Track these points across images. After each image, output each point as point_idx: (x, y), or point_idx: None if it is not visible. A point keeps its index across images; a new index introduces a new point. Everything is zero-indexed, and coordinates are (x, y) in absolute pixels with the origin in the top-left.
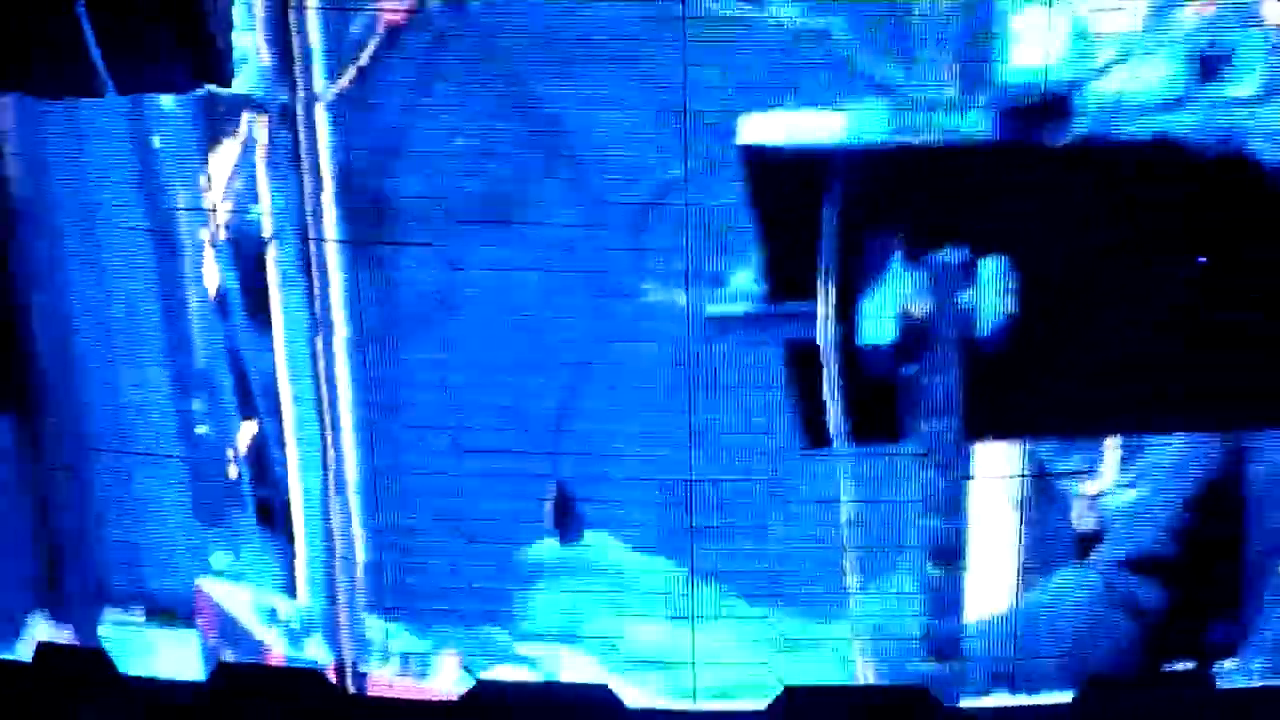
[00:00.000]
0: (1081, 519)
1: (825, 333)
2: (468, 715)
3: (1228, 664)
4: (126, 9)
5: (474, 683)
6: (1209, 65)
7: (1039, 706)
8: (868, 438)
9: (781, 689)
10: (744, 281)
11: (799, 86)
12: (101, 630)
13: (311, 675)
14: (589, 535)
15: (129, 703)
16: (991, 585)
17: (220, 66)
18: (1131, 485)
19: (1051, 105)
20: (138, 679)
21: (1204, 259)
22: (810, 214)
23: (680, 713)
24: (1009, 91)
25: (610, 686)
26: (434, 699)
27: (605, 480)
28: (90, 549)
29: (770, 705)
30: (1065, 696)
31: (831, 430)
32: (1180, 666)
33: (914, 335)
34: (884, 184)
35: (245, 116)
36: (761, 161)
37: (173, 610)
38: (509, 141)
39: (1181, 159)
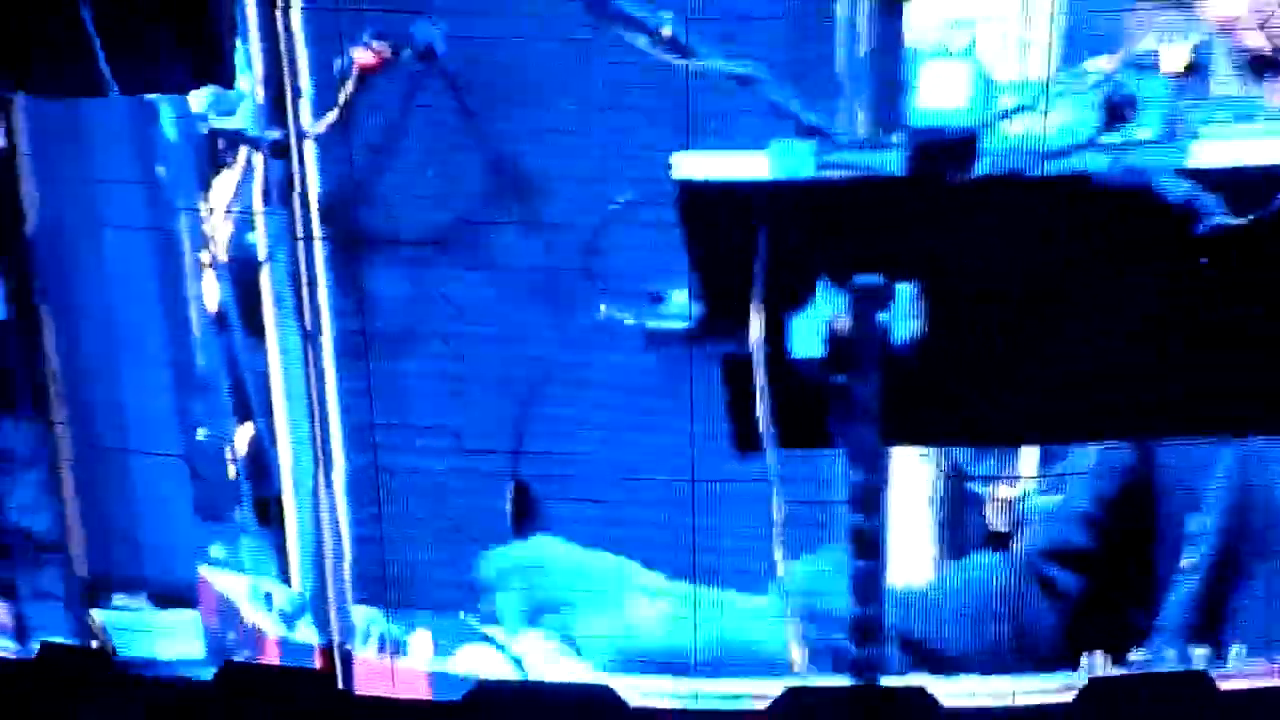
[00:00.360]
0: (996, 517)
1: (756, 348)
2: (468, 716)
3: (1137, 654)
4: (130, 9)
5: (448, 660)
6: (1115, 110)
7: (1039, 706)
8: (796, 443)
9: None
10: (682, 300)
11: (731, 128)
12: (107, 614)
13: (311, 675)
14: (545, 527)
15: (129, 702)
16: (911, 575)
17: (222, 68)
18: (1046, 490)
19: (957, 146)
20: (139, 678)
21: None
22: (742, 241)
23: (681, 712)
24: (918, 133)
25: (578, 672)
26: (433, 700)
27: (560, 479)
28: (96, 540)
29: (770, 705)
30: (981, 679)
31: (762, 435)
32: (1095, 651)
33: (838, 351)
34: (809, 216)
35: (243, 150)
36: (695, 194)
37: (176, 595)
38: (473, 174)
39: (1084, 194)
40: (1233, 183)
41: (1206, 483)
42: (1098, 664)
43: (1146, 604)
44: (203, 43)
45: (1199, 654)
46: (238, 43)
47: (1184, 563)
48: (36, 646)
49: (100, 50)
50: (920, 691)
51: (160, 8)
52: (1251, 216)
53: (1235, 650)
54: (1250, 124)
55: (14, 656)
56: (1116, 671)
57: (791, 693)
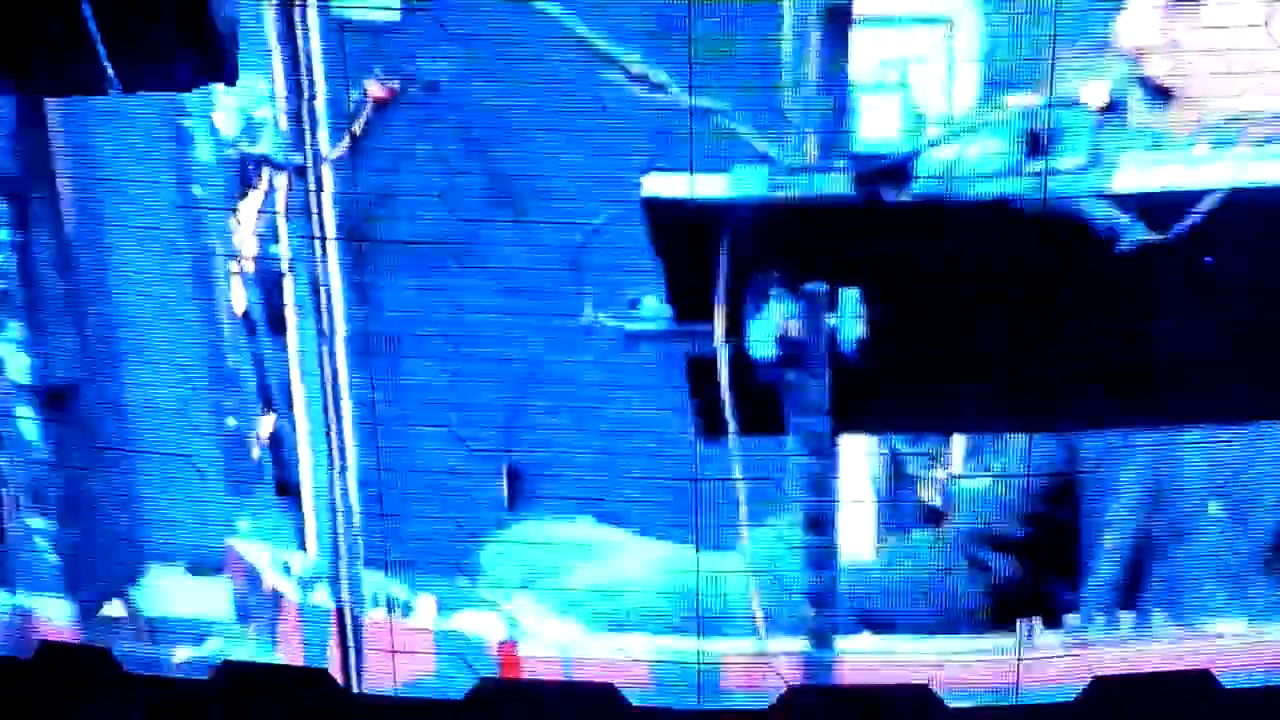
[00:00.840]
0: (932, 498)
1: (719, 347)
2: (470, 714)
3: (1071, 617)
4: (132, 7)
5: (449, 620)
6: (1036, 141)
7: (1039, 707)
8: (755, 431)
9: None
10: (654, 305)
11: (696, 153)
12: (144, 581)
13: (313, 675)
14: (536, 503)
15: (130, 702)
16: (858, 548)
17: (225, 65)
18: (975, 473)
19: (894, 170)
20: (139, 678)
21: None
22: (705, 253)
23: (682, 712)
24: (860, 159)
25: (572, 638)
26: (436, 700)
27: (547, 463)
28: (136, 518)
29: (771, 706)
30: (922, 640)
31: (726, 423)
32: (1025, 620)
33: (791, 349)
34: (763, 231)
35: (267, 172)
36: (663, 211)
37: (208, 564)
38: (472, 194)
39: (1006, 215)
40: (1151, 204)
41: (1124, 472)
42: (1034, 629)
43: (1072, 579)
44: (204, 41)
45: (1126, 619)
46: (264, 80)
47: (1106, 542)
48: (36, 646)
49: (102, 48)
50: (922, 691)
51: (162, 5)
52: (1167, 235)
53: (1158, 617)
54: (1164, 151)
55: (13, 655)
56: (1049, 635)
57: (792, 693)
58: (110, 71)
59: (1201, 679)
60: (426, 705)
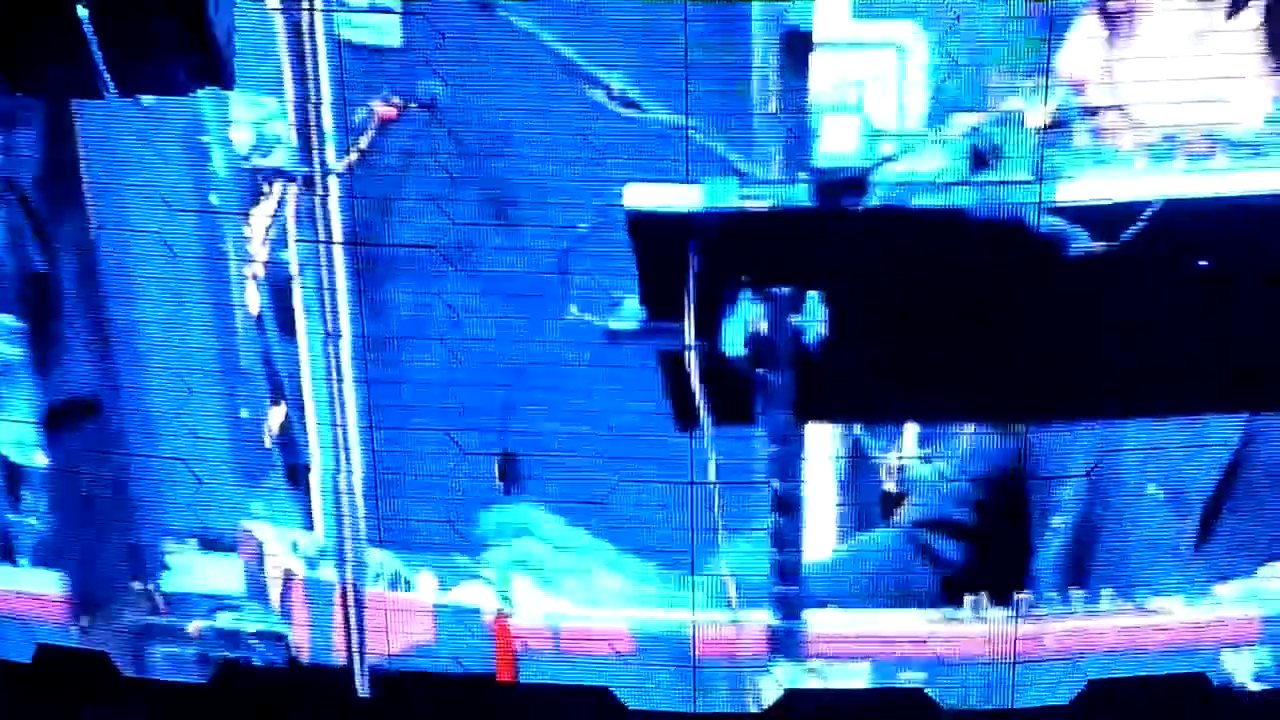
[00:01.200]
0: (887, 483)
1: (692, 344)
2: (467, 718)
3: (1021, 594)
4: (128, 10)
5: (448, 594)
6: (981, 156)
7: (1040, 708)
8: (726, 421)
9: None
10: (634, 306)
11: (669, 165)
12: (161, 556)
13: (313, 676)
14: (526, 489)
15: (131, 705)
16: (821, 530)
17: (220, 69)
18: (928, 461)
19: (852, 182)
20: (140, 681)
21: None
22: (680, 258)
23: (680, 714)
24: (821, 172)
25: (559, 623)
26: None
27: (538, 450)
28: (157, 502)
29: (769, 709)
30: (879, 613)
31: (699, 415)
32: (980, 592)
33: (759, 347)
34: (733, 237)
35: (278, 183)
36: (642, 219)
37: (222, 543)
38: (468, 202)
39: (955, 223)
40: (1091, 215)
41: (1069, 461)
42: (982, 603)
43: (1021, 559)
44: (201, 45)
45: (1076, 595)
46: (277, 100)
47: (1053, 524)
48: (35, 650)
49: (97, 51)
50: (920, 694)
51: (157, 9)
52: (1108, 243)
53: (1106, 593)
54: (1103, 167)
55: (14, 659)
56: (999, 610)
57: (791, 695)
58: (105, 74)
59: (1198, 681)
60: (429, 707)
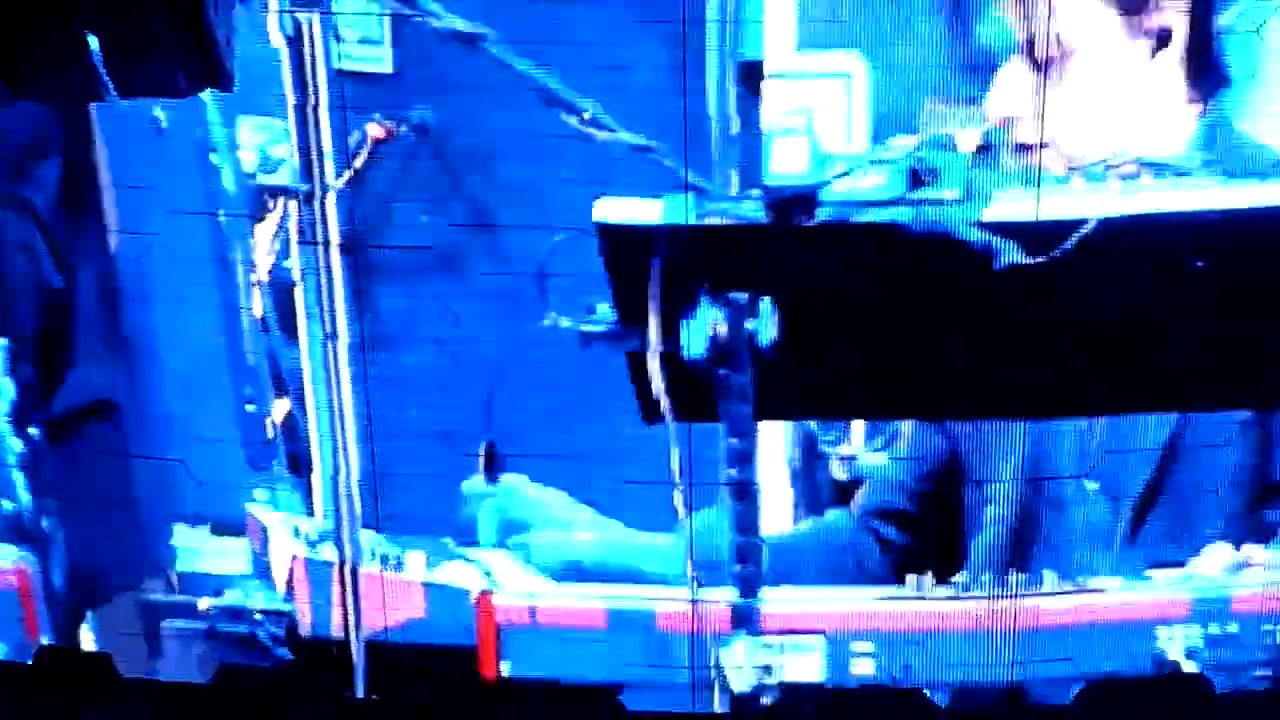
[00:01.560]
0: (838, 473)
1: (655, 346)
2: (467, 718)
3: (959, 575)
4: (126, 13)
5: (434, 572)
6: (917, 177)
7: (1041, 706)
8: (689, 417)
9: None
10: (605, 310)
11: (634, 182)
12: (174, 540)
13: (315, 678)
14: (507, 477)
15: (132, 707)
16: (777, 515)
17: (220, 72)
18: (873, 454)
19: (802, 199)
20: (141, 682)
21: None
22: (644, 267)
23: (680, 716)
24: (773, 189)
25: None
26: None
27: (518, 440)
28: (168, 489)
29: (768, 709)
30: (831, 590)
31: (663, 411)
32: (923, 573)
33: (718, 349)
34: (692, 249)
35: (281, 199)
36: (610, 231)
37: (229, 526)
38: (454, 216)
39: (895, 236)
40: (1022, 231)
41: (1004, 454)
42: (925, 583)
43: (960, 544)
44: (200, 49)
45: (1015, 579)
46: (281, 122)
47: (988, 514)
48: (36, 651)
49: (97, 54)
50: (920, 694)
51: (157, 11)
52: (1039, 257)
53: (1048, 576)
54: (1033, 187)
55: (13, 660)
56: (941, 591)
57: (787, 690)
58: (105, 77)
59: (1199, 682)
60: (430, 707)
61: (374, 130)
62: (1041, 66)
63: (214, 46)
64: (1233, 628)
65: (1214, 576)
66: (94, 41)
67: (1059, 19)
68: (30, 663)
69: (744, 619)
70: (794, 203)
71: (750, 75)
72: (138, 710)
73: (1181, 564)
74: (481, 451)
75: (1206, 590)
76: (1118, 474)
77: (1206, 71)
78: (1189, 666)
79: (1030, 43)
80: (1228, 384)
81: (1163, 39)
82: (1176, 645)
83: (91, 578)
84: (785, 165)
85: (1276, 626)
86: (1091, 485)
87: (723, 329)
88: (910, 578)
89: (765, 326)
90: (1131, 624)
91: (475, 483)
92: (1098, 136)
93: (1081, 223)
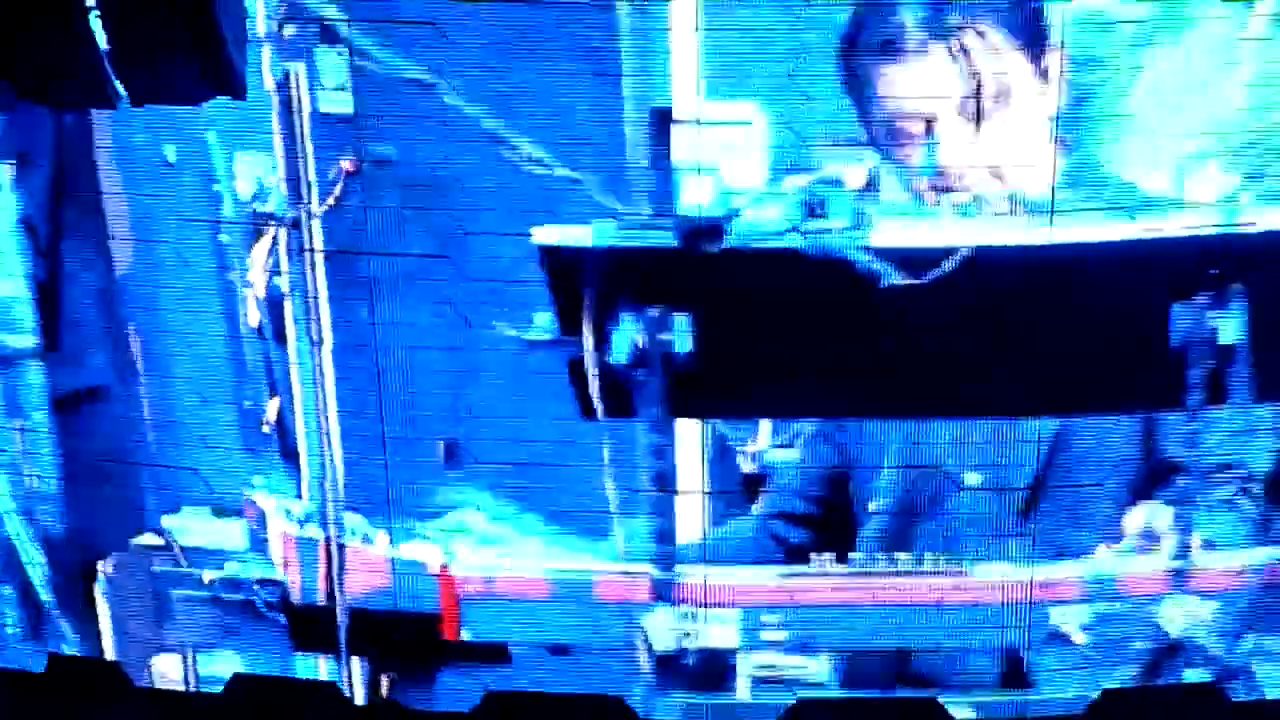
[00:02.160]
0: (745, 465)
1: (589, 353)
2: None
3: (855, 554)
4: (139, 21)
5: (399, 548)
6: (811, 209)
7: (1049, 716)
8: (617, 414)
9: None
10: (546, 321)
11: (568, 211)
12: (179, 519)
13: (321, 688)
14: (463, 467)
15: (143, 715)
16: (690, 501)
17: (231, 78)
18: (776, 449)
19: (709, 228)
20: (150, 690)
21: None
22: (577, 284)
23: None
24: (683, 219)
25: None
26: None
27: (475, 435)
28: (178, 476)
29: (779, 716)
30: (738, 569)
31: (596, 409)
32: (823, 554)
33: (639, 356)
34: (616, 269)
35: (273, 224)
36: (549, 253)
37: (229, 509)
38: (417, 240)
39: (791, 260)
40: (903, 256)
41: (885, 453)
42: (825, 561)
43: (850, 531)
44: (212, 58)
45: (902, 558)
46: (271, 157)
47: (872, 507)
48: (48, 658)
49: (109, 62)
50: (931, 703)
51: (169, 20)
52: (918, 278)
53: (929, 557)
54: (912, 218)
55: (26, 668)
56: (839, 569)
57: (802, 702)
58: (118, 85)
59: (1210, 691)
60: (434, 715)
61: (345, 164)
62: (974, 111)
63: (225, 56)
64: (1118, 607)
65: (1098, 560)
66: (104, 47)
67: (992, 64)
68: (43, 673)
69: (663, 592)
70: (701, 231)
71: (661, 121)
72: (151, 715)
73: (1062, 549)
74: (441, 447)
75: (1089, 573)
76: (1001, 467)
77: (1077, 114)
78: (1079, 639)
79: (966, 89)
80: (1090, 390)
81: (1044, 79)
82: (1065, 621)
83: (91, 537)
84: (692, 198)
85: (1157, 605)
86: (974, 478)
87: (643, 339)
88: (814, 557)
89: (679, 337)
90: (1012, 602)
91: (438, 472)
92: (983, 175)
93: (954, 250)
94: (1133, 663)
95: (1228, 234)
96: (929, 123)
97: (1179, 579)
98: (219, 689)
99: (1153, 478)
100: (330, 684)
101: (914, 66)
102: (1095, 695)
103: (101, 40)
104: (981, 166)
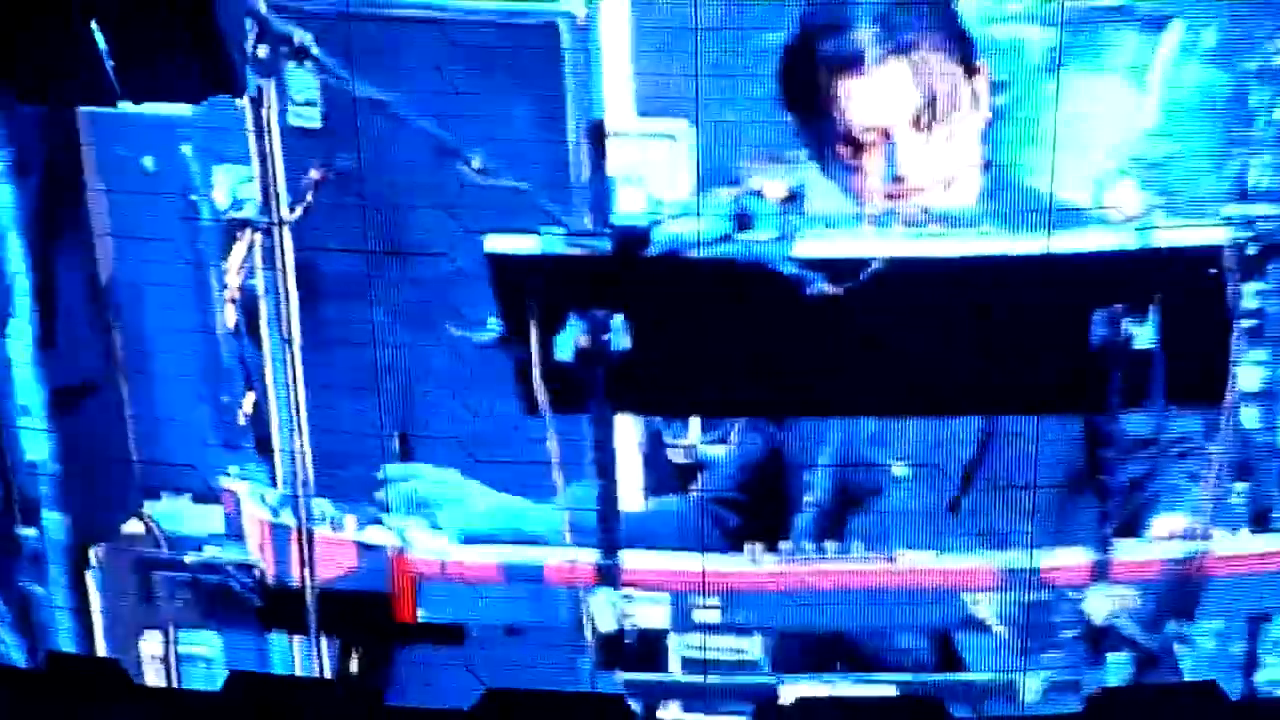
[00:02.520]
0: (679, 460)
1: (534, 353)
2: None
3: (783, 544)
4: (138, 19)
5: (363, 533)
6: (741, 220)
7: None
8: (561, 410)
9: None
10: (495, 324)
11: (514, 219)
12: (159, 505)
13: (321, 686)
14: (419, 457)
15: (143, 713)
16: (630, 491)
17: (231, 76)
18: (709, 444)
19: (641, 236)
20: (149, 689)
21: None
22: (523, 290)
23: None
24: (619, 227)
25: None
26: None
27: (427, 429)
28: (158, 465)
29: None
30: (678, 555)
31: (540, 405)
32: (755, 543)
33: (583, 355)
34: (559, 275)
35: (248, 230)
36: (497, 260)
37: (207, 496)
38: (375, 245)
39: (721, 268)
40: (827, 265)
41: (820, 448)
42: (757, 551)
43: (784, 522)
44: (211, 55)
45: (831, 547)
46: (247, 168)
47: (806, 500)
48: (43, 656)
49: (108, 60)
50: (939, 706)
51: (168, 18)
52: (843, 286)
53: (855, 545)
54: (835, 229)
55: (23, 667)
56: (770, 558)
57: (805, 705)
58: (116, 83)
59: (1211, 690)
60: (438, 713)
61: (314, 174)
62: (908, 128)
63: (225, 53)
64: (1041, 595)
65: (1021, 551)
66: (103, 46)
67: (928, 85)
68: (41, 670)
69: (606, 575)
70: (635, 240)
71: (598, 134)
72: (150, 715)
73: (989, 539)
74: (397, 439)
75: (1014, 562)
76: (929, 463)
77: (999, 133)
78: (998, 629)
79: (899, 109)
80: (1011, 392)
81: (974, 101)
82: (984, 609)
83: (86, 523)
84: (627, 208)
85: (1082, 595)
86: (902, 470)
87: (584, 339)
88: (746, 546)
89: (617, 337)
90: (939, 588)
91: (393, 470)
92: (916, 185)
93: (872, 260)
94: (1057, 648)
95: (1142, 248)
96: (860, 138)
97: (1101, 569)
98: (200, 666)
99: (1077, 474)
100: (330, 682)
101: (851, 85)
102: (1020, 677)
103: (100, 40)
104: (911, 181)
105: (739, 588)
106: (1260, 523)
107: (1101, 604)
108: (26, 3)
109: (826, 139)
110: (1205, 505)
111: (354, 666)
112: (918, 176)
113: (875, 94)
